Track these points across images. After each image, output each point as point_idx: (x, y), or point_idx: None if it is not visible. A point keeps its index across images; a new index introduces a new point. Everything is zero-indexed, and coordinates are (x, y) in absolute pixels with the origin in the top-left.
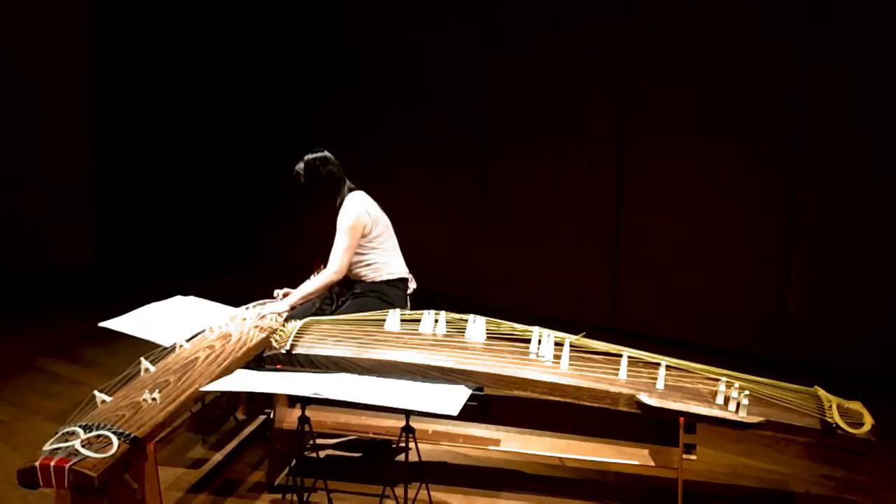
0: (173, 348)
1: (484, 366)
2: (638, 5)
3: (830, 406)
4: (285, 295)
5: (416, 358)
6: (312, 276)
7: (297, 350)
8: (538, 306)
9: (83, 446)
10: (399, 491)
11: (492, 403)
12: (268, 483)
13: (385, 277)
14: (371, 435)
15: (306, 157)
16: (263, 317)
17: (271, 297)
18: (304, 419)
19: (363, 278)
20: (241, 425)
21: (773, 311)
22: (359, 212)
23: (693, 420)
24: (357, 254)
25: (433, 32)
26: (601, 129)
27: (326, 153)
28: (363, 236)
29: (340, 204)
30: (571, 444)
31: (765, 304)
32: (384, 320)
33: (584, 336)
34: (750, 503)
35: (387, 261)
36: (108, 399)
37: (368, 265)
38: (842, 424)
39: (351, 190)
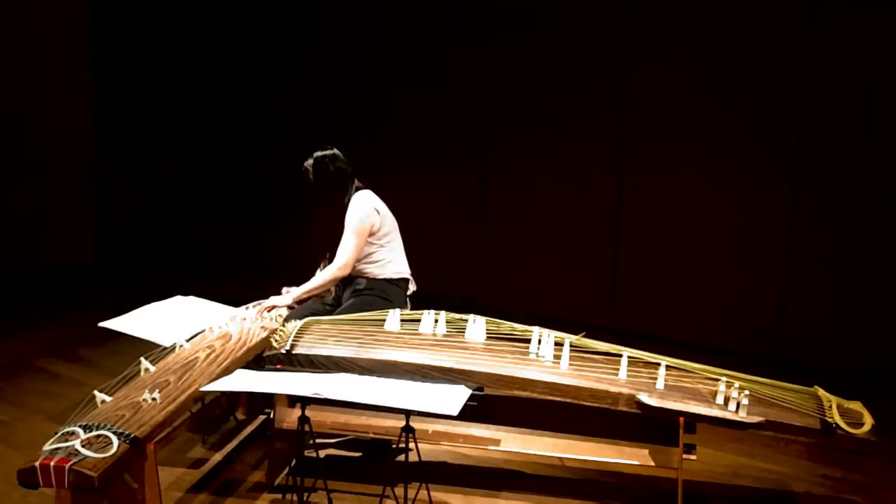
0: (173, 348)
1: (484, 366)
2: (638, 7)
3: (830, 406)
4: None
5: (416, 358)
6: (318, 271)
7: (297, 350)
8: (538, 306)
9: (83, 446)
10: (399, 491)
11: (492, 403)
12: (268, 483)
13: (388, 275)
14: (371, 435)
15: (315, 154)
16: (270, 308)
17: (277, 294)
18: (304, 419)
19: (366, 274)
20: (241, 425)
21: (772, 311)
22: (367, 210)
23: (693, 420)
24: (364, 250)
25: (433, 32)
26: (601, 129)
27: (336, 150)
28: (371, 234)
29: (348, 202)
30: (571, 444)
31: (764, 304)
32: (384, 320)
33: (584, 336)
34: (750, 503)
35: (392, 259)
36: (108, 399)
37: (374, 262)
38: (842, 424)
39: (359, 188)
